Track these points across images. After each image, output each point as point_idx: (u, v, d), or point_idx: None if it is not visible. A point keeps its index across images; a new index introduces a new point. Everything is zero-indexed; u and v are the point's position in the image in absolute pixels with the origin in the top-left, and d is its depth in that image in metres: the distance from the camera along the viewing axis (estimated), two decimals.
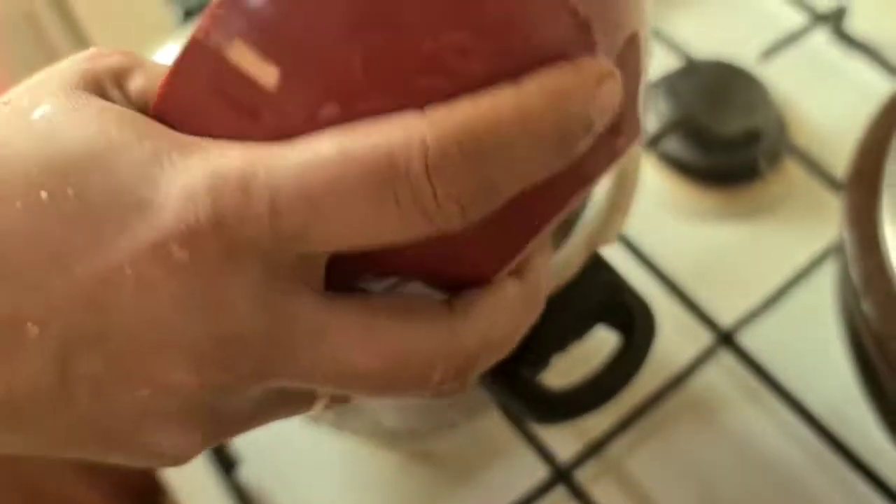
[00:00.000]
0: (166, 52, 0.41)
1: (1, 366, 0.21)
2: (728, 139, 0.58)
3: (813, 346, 0.52)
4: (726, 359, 0.50)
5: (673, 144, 0.58)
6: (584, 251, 0.34)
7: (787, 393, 0.48)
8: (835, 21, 0.63)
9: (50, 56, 0.86)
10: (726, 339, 0.50)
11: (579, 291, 0.35)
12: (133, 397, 0.21)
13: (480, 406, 0.43)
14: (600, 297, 0.35)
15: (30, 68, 0.78)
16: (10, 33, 0.79)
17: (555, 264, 0.34)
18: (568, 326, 0.35)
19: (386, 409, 0.40)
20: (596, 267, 0.35)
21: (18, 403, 0.21)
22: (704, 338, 0.50)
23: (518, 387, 0.33)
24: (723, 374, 0.51)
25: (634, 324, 0.34)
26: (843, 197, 0.40)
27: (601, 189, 0.36)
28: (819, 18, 0.63)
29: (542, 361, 0.35)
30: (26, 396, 0.21)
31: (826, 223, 0.56)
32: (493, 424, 0.49)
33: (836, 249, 0.45)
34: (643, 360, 0.34)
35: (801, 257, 0.54)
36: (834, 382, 0.50)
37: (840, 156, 0.59)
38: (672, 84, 0.60)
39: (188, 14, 0.43)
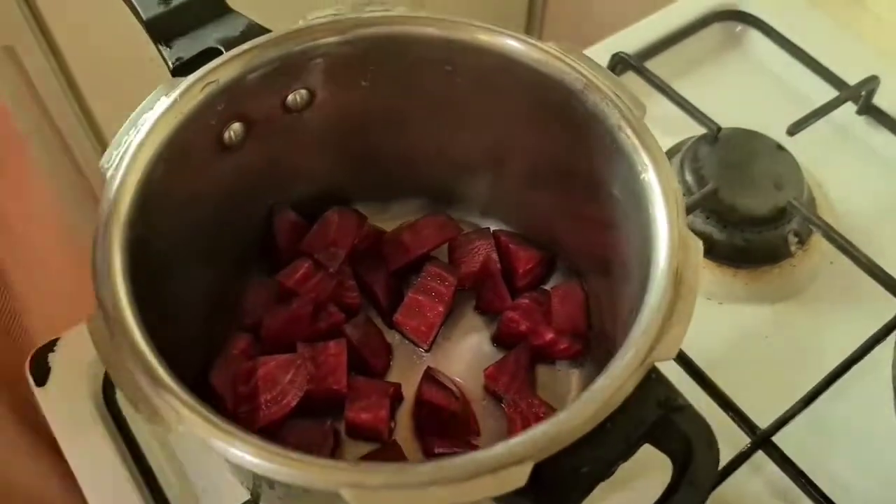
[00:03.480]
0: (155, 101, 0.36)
1: None
2: (756, 217, 0.54)
3: (851, 445, 0.48)
4: (762, 460, 0.46)
5: (697, 220, 0.55)
6: (640, 370, 0.30)
7: (823, 497, 0.44)
8: (865, 95, 0.60)
9: (30, 87, 0.81)
10: (764, 440, 0.45)
11: (630, 412, 0.30)
12: None
13: None
14: (653, 417, 0.31)
15: (14, 99, 0.72)
16: None
17: (605, 386, 0.29)
18: (615, 453, 0.30)
19: None
20: (649, 382, 0.31)
21: None
22: (739, 436, 0.46)
23: None
24: (758, 476, 0.46)
25: (692, 454, 0.30)
26: None
27: (655, 297, 0.31)
28: (849, 92, 0.60)
29: (586, 492, 0.30)
30: None
31: (858, 305, 0.53)
32: None
33: None
34: (704, 498, 0.29)
35: (835, 344, 0.50)
36: (871, 485, 0.47)
37: (869, 233, 0.56)
38: (697, 153, 0.56)
39: (178, 69, 0.38)
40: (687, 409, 0.31)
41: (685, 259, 0.32)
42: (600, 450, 0.30)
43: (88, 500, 0.45)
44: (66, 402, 0.48)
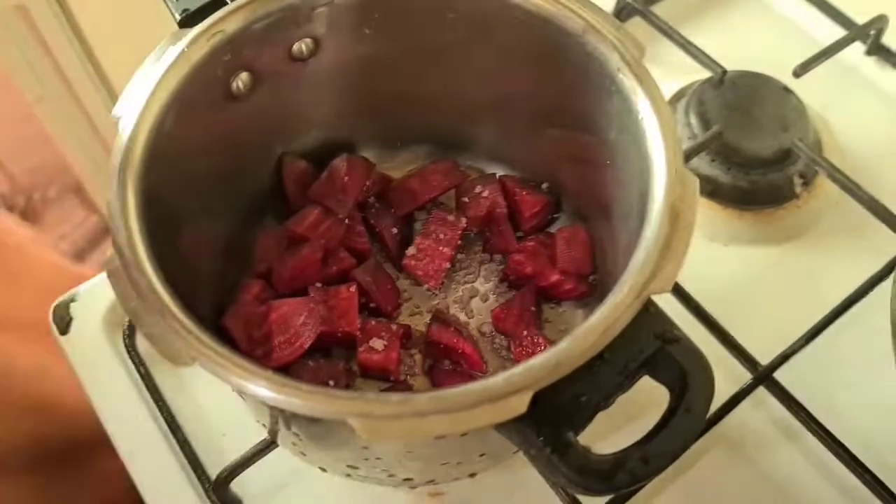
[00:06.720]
0: (162, 52, 0.37)
1: None
2: (761, 158, 0.54)
3: (852, 380, 0.49)
4: (764, 396, 0.47)
5: (702, 163, 0.55)
6: (636, 302, 0.31)
7: (823, 430, 0.45)
8: (873, 34, 0.60)
9: (44, 47, 0.82)
10: (765, 376, 0.47)
11: (627, 343, 0.31)
12: None
13: (503, 455, 0.40)
14: (650, 349, 0.32)
15: (25, 60, 0.73)
16: (2, 26, 0.75)
17: (602, 318, 0.30)
18: (614, 383, 0.31)
19: (405, 462, 0.37)
20: (646, 315, 0.32)
21: None
22: (741, 373, 0.47)
23: (563, 455, 0.29)
24: (759, 411, 0.48)
25: (688, 382, 0.31)
26: None
27: (652, 231, 0.32)
28: (857, 31, 0.60)
29: (586, 421, 0.32)
30: None
31: (862, 246, 0.53)
32: (515, 472, 0.45)
33: None
34: (700, 424, 0.31)
35: (838, 284, 0.51)
36: (871, 420, 0.48)
37: (877, 174, 0.56)
38: (703, 96, 0.56)
39: (185, 20, 0.39)
40: (682, 340, 0.32)
41: (682, 195, 0.33)
42: (598, 379, 0.31)
43: (113, 441, 0.47)
44: (88, 349, 0.50)
